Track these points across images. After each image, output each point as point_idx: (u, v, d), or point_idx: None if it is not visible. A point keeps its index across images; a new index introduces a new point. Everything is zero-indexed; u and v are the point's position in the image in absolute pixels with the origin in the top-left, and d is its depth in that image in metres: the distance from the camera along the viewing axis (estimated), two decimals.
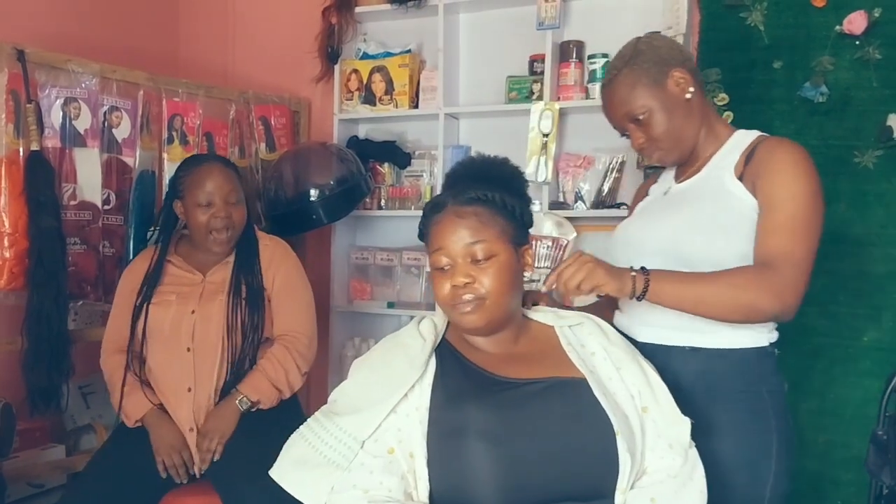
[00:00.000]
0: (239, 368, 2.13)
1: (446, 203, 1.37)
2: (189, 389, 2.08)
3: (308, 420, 1.35)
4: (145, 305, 2.13)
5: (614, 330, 1.45)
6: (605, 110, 1.63)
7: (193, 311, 2.12)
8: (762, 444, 1.48)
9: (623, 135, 1.63)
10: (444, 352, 1.37)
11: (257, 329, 2.15)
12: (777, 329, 1.55)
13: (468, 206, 1.36)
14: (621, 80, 1.56)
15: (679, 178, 1.65)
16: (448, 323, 1.43)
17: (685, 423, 1.33)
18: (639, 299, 1.41)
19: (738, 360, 1.49)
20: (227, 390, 2.11)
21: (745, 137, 1.57)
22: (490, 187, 1.37)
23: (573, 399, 1.29)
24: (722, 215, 1.48)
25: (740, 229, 1.47)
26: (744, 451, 1.45)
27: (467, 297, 1.32)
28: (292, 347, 2.17)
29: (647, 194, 1.76)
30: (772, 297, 1.39)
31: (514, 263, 1.37)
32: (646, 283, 1.40)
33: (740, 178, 1.50)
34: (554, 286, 1.42)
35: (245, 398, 2.07)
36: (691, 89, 1.55)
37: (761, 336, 1.52)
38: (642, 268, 1.43)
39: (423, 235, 1.44)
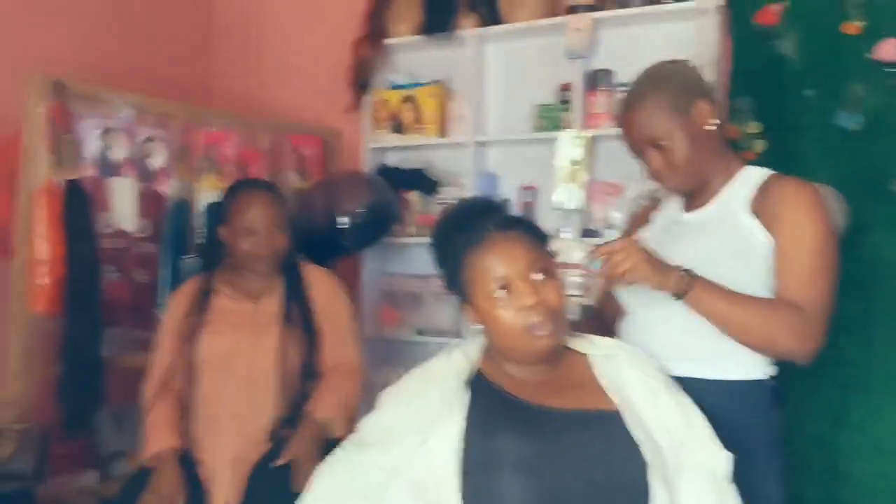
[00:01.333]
0: (296, 402, 2.10)
1: (487, 231, 1.34)
2: (236, 416, 2.06)
3: (336, 451, 1.34)
4: (196, 335, 2.11)
5: (649, 360, 1.43)
6: (624, 130, 1.61)
7: (248, 341, 2.10)
8: (757, 477, 1.48)
9: (637, 157, 1.62)
10: (478, 382, 1.35)
11: (313, 361, 2.14)
12: (776, 363, 1.55)
13: (512, 229, 1.35)
14: (647, 102, 1.55)
15: (688, 208, 1.64)
16: (483, 353, 1.40)
17: (726, 458, 1.31)
18: (677, 298, 1.44)
19: (734, 392, 1.50)
20: (285, 423, 2.07)
21: (756, 173, 1.58)
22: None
23: (608, 432, 1.27)
24: (735, 250, 1.49)
25: (752, 265, 1.49)
26: (744, 478, 1.42)
27: (539, 317, 1.28)
28: (354, 373, 2.18)
29: (647, 221, 1.74)
30: (797, 340, 1.43)
31: None
32: (688, 286, 1.42)
33: (755, 214, 1.51)
34: (600, 258, 1.44)
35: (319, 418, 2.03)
36: (712, 121, 1.54)
37: (758, 369, 1.53)
38: (688, 270, 1.44)
39: (454, 276, 1.37)
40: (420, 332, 3.02)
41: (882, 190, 2.33)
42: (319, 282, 2.25)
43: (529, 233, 1.36)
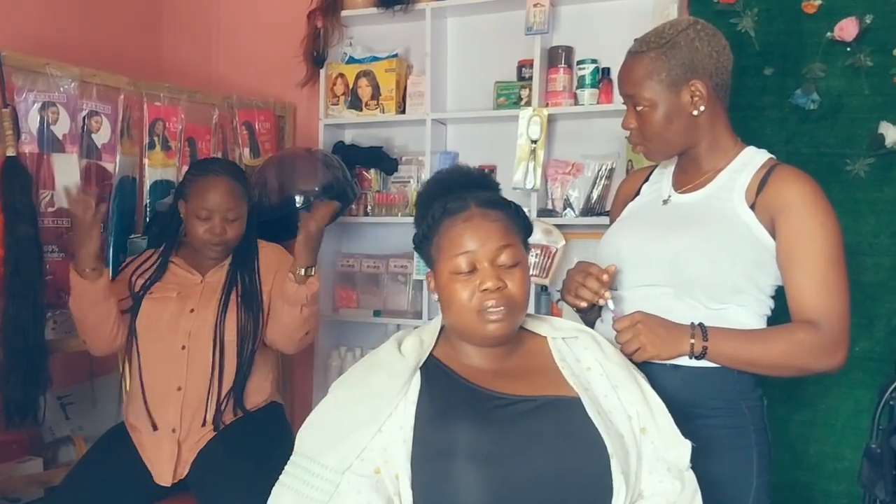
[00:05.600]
0: (237, 377, 2.09)
1: (468, 205, 1.29)
2: (179, 388, 2.05)
3: (287, 467, 1.27)
4: (142, 299, 2.11)
5: (610, 344, 1.40)
6: (619, 73, 1.57)
7: (192, 310, 2.10)
8: (743, 460, 1.48)
9: (624, 103, 1.58)
10: (431, 367, 1.31)
11: (253, 330, 2.12)
12: None
13: (494, 209, 1.30)
14: (644, 61, 1.49)
15: (680, 186, 1.59)
16: (438, 337, 1.36)
17: (685, 446, 1.28)
18: (697, 358, 1.44)
19: (718, 377, 1.47)
20: (220, 392, 2.07)
21: (755, 157, 1.53)
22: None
23: (567, 419, 1.24)
24: (730, 243, 1.45)
25: (745, 260, 1.45)
26: (725, 467, 1.44)
27: (495, 302, 1.25)
28: None
29: (637, 193, 1.69)
30: (824, 359, 1.43)
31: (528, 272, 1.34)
32: (703, 349, 1.43)
33: (752, 207, 1.46)
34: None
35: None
36: (702, 108, 1.49)
37: None
38: (701, 324, 1.44)
39: (426, 240, 1.34)
40: (377, 314, 2.98)
41: (839, 171, 2.35)
42: (270, 257, 2.24)
43: (512, 219, 1.32)
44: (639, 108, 1.51)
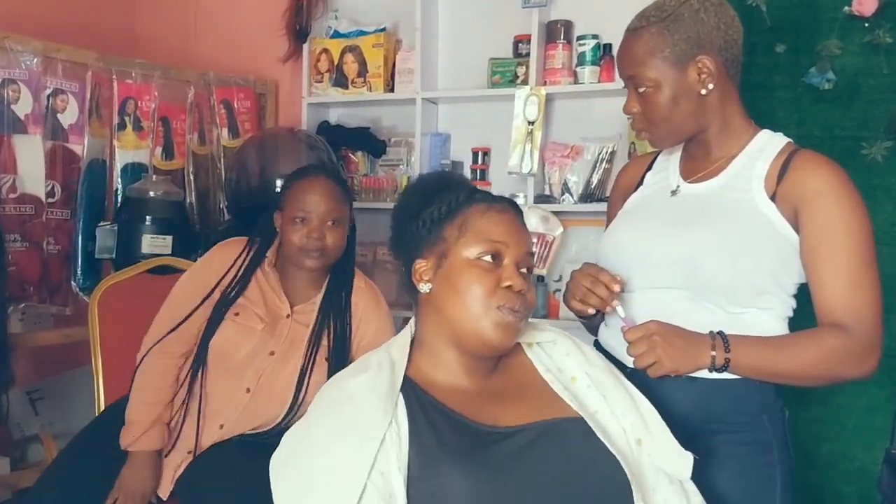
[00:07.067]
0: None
1: (501, 199, 1.24)
2: (221, 426, 1.88)
3: None
4: (224, 312, 1.89)
5: (590, 347, 1.30)
6: (617, 53, 1.46)
7: (272, 353, 1.90)
8: (765, 479, 1.38)
9: (625, 86, 1.47)
10: (409, 392, 1.15)
11: None
12: None
13: (521, 214, 1.25)
14: (645, 37, 1.37)
15: (688, 175, 1.47)
16: (410, 354, 1.21)
17: (686, 458, 1.17)
18: (719, 371, 1.34)
19: (738, 389, 1.37)
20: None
21: (771, 141, 1.41)
22: None
23: (571, 445, 1.11)
24: (751, 240, 1.34)
25: (768, 258, 1.34)
26: (746, 485, 1.35)
27: (515, 305, 1.15)
28: None
29: (640, 183, 1.57)
30: (856, 366, 1.32)
31: None
32: (726, 361, 1.32)
33: (772, 197, 1.35)
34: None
35: None
36: (710, 86, 1.37)
37: None
38: (721, 333, 1.33)
39: (442, 220, 1.21)
40: None
41: (855, 155, 2.26)
42: (363, 302, 2.02)
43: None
44: (641, 90, 1.40)
